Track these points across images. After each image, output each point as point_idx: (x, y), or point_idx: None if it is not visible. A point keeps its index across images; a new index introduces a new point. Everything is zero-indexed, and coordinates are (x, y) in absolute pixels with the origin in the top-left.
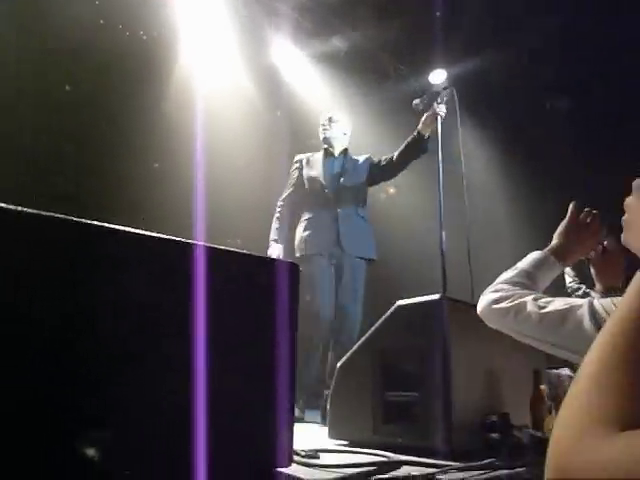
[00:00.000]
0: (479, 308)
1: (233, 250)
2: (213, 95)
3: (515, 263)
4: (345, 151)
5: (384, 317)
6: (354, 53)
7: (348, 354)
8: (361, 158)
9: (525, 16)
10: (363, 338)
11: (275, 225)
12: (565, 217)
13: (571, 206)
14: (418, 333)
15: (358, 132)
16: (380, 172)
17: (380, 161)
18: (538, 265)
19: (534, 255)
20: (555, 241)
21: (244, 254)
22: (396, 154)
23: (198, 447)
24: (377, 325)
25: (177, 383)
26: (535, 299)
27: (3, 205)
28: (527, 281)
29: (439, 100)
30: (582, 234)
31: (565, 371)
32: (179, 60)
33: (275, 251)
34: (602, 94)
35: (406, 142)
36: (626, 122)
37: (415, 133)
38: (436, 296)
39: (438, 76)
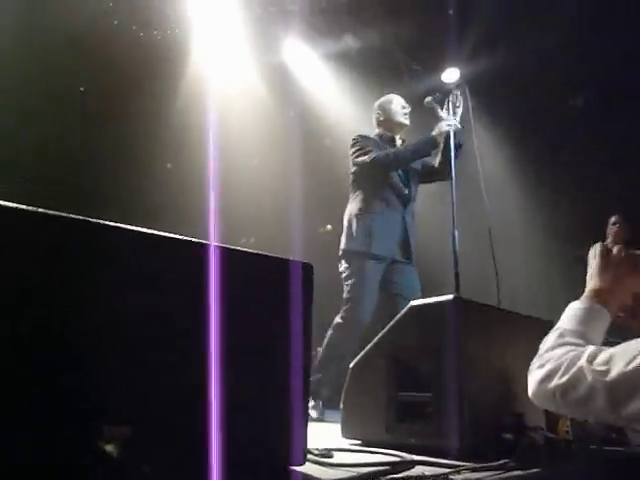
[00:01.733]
0: (530, 391)
1: (246, 250)
2: (225, 94)
3: (527, 264)
4: (403, 141)
5: (397, 317)
6: (366, 51)
7: (361, 354)
8: None
9: (539, 12)
10: (376, 338)
11: (388, 155)
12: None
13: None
14: (432, 333)
15: (368, 127)
16: (432, 175)
17: (429, 162)
18: (584, 319)
19: (574, 307)
20: (592, 283)
21: (257, 254)
22: (436, 162)
23: (212, 444)
24: (390, 325)
25: (192, 381)
26: (590, 360)
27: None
28: (577, 340)
29: (451, 98)
30: (621, 269)
31: None
32: (191, 59)
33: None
34: (620, 91)
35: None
36: None
37: (429, 139)
38: (450, 296)
39: (451, 74)
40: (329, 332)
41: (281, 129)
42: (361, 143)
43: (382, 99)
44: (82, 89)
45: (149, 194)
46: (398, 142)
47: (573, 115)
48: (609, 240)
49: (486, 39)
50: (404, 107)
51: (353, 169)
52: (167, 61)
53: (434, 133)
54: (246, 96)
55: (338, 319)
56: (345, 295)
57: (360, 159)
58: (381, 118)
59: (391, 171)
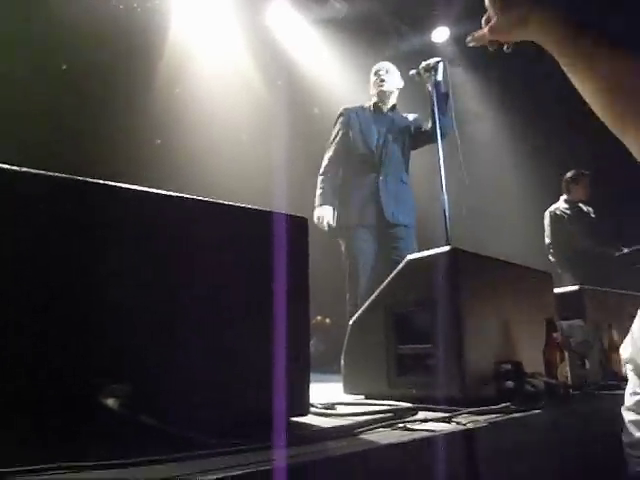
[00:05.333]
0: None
1: (236, 205)
2: (209, 65)
3: (521, 219)
4: (394, 107)
5: (395, 272)
6: (354, 14)
7: (360, 310)
8: (410, 116)
9: None
10: (375, 294)
11: (320, 188)
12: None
13: None
14: (429, 286)
15: (360, 94)
16: (423, 137)
17: (421, 126)
18: None
19: None
20: None
21: (248, 208)
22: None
23: (212, 396)
24: (388, 280)
25: (189, 336)
26: None
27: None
28: None
29: (433, 73)
30: None
31: (577, 322)
32: (172, 28)
33: (325, 215)
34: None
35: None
36: None
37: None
38: (446, 248)
39: (441, 34)
40: (348, 308)
41: (268, 99)
42: (334, 126)
43: (375, 66)
44: (64, 67)
45: (138, 171)
46: (386, 110)
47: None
48: None
49: None
50: (376, 74)
51: None
52: (148, 32)
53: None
54: (230, 64)
55: (347, 295)
56: (347, 271)
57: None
58: (371, 86)
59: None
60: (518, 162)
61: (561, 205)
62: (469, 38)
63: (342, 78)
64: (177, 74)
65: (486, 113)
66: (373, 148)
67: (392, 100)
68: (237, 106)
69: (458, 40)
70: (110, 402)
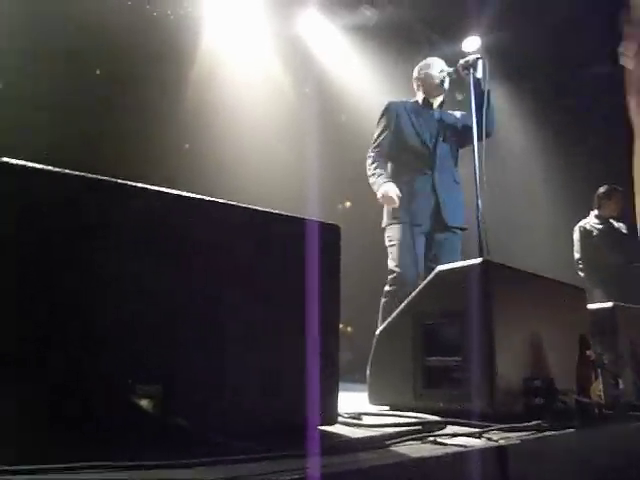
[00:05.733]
0: None
1: (271, 211)
2: (241, 71)
3: (550, 232)
4: (442, 104)
5: (425, 282)
6: (385, 23)
7: (388, 319)
8: (457, 113)
9: None
10: (403, 303)
11: (374, 175)
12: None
13: None
14: (460, 297)
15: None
16: (471, 135)
17: (468, 123)
18: None
19: None
20: None
21: (284, 215)
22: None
23: (243, 404)
24: (418, 290)
25: (222, 346)
26: None
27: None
28: None
29: (472, 71)
30: None
31: (611, 338)
32: (205, 36)
33: (389, 189)
34: None
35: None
36: None
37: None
38: (478, 260)
39: (472, 43)
40: (382, 300)
41: (297, 105)
42: (380, 120)
43: (421, 63)
44: (98, 72)
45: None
46: (435, 107)
47: (596, 85)
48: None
49: (508, 8)
50: (442, 71)
51: None
52: (181, 40)
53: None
54: (260, 71)
55: (387, 287)
56: (389, 265)
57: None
58: (419, 83)
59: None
60: (549, 176)
61: (591, 220)
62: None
63: (371, 86)
64: (208, 81)
65: (518, 125)
66: (428, 143)
67: (441, 97)
68: (267, 113)
69: (489, 50)
70: (143, 403)
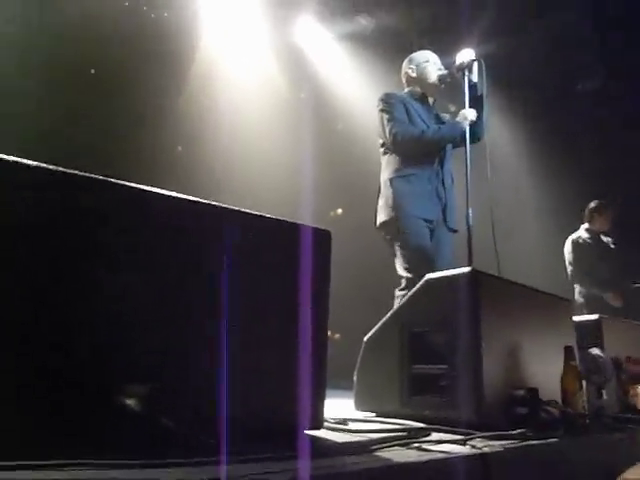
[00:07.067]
0: None
1: (261, 214)
2: (237, 76)
3: (539, 240)
4: (434, 102)
5: (413, 290)
6: (380, 32)
7: (375, 327)
8: (446, 115)
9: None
10: (391, 311)
11: (413, 135)
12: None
13: None
14: (447, 306)
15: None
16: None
17: None
18: None
19: None
20: None
21: (274, 219)
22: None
23: (228, 408)
24: (406, 298)
25: (208, 349)
26: None
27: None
28: None
29: (467, 73)
30: None
31: (595, 350)
32: (202, 40)
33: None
34: (632, 75)
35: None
36: None
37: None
38: (466, 269)
39: (465, 55)
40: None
41: (293, 111)
42: (386, 107)
43: (416, 54)
44: (93, 71)
45: (158, 177)
46: (431, 103)
47: (586, 97)
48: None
49: (501, 20)
50: (440, 69)
51: (381, 140)
52: (178, 43)
53: (459, 119)
54: (258, 76)
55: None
56: (401, 266)
57: (386, 129)
58: (413, 74)
59: (413, 150)
60: (537, 183)
61: (582, 234)
62: None
63: (365, 94)
64: (203, 85)
65: (507, 133)
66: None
67: (435, 94)
68: (261, 118)
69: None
70: (132, 403)
